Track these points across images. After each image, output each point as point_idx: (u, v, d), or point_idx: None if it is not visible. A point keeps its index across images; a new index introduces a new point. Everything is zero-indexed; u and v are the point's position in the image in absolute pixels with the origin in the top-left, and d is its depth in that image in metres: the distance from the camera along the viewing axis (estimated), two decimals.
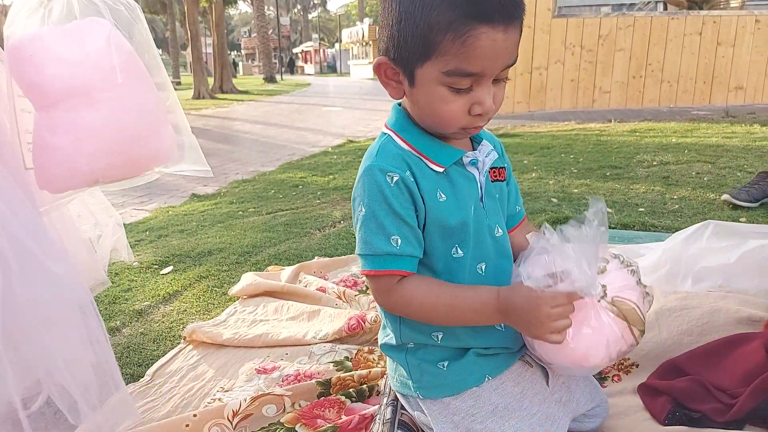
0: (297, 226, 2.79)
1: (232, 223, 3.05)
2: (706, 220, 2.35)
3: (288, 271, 1.97)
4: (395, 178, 0.83)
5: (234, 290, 1.86)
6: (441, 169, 0.88)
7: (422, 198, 0.86)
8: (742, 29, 6.32)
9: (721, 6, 7.01)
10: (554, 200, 2.87)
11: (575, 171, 3.54)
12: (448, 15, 0.75)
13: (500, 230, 0.98)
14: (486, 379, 0.93)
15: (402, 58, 0.82)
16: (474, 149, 0.95)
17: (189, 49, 17.50)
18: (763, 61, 6.36)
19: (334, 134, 7.43)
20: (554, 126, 5.68)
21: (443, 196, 0.87)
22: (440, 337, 0.93)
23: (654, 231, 2.21)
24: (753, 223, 2.29)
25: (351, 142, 6.46)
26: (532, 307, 0.77)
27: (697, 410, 1.13)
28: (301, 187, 3.90)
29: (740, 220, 2.33)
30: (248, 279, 1.87)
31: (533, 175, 3.50)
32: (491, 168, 0.97)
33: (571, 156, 4.03)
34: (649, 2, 7.00)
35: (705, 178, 3.07)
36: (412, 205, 0.85)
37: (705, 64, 6.44)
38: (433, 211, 0.86)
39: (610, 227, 2.28)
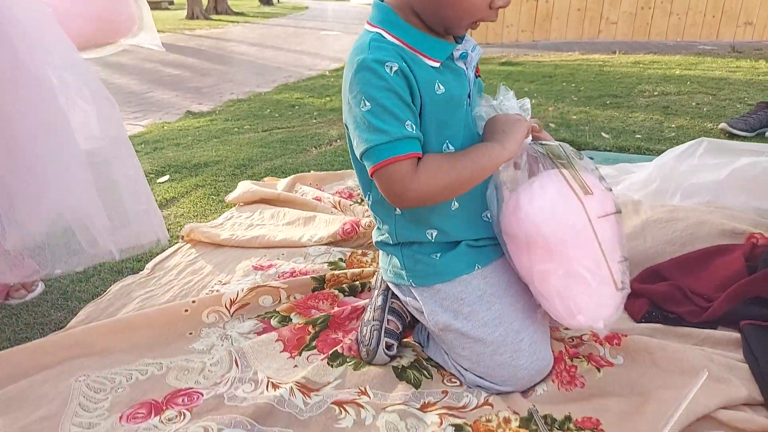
0: (293, 143, 2.78)
1: (227, 138, 3.03)
2: None
3: (284, 181, 1.99)
4: (394, 68, 0.83)
5: (231, 197, 1.88)
6: (437, 64, 0.88)
7: (419, 90, 0.86)
8: None
9: None
10: (552, 125, 2.86)
11: (575, 99, 3.50)
12: None
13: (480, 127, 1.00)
14: (476, 267, 0.97)
15: None
16: (457, 44, 0.94)
17: None
18: None
19: (332, 58, 7.24)
20: (558, 56, 5.56)
21: (441, 88, 0.87)
22: (434, 234, 0.96)
23: (649, 155, 2.23)
24: None
25: None
26: (508, 118, 0.89)
27: (674, 312, 1.19)
28: (297, 107, 3.85)
29: None
30: (245, 186, 1.89)
31: (533, 101, 3.46)
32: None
33: (573, 85, 3.97)
34: None
35: (704, 109, 3.05)
36: (410, 95, 0.86)
37: None
38: (430, 104, 0.87)
39: (605, 150, 2.31)
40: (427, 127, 0.88)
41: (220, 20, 15.28)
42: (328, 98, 4.12)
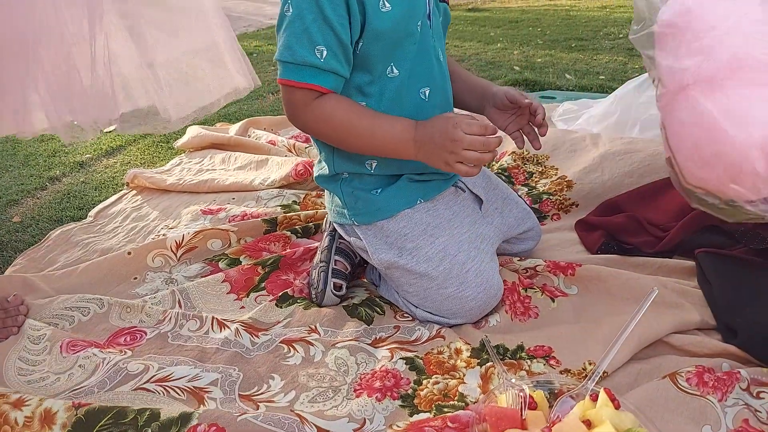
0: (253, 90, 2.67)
1: None
2: None
3: (237, 126, 1.90)
4: None
5: (180, 143, 1.79)
6: None
7: (362, 4, 0.79)
8: None
9: None
10: (516, 68, 2.80)
11: (540, 42, 3.44)
12: None
13: (443, 56, 0.93)
14: (418, 201, 0.93)
15: None
16: None
17: None
18: None
19: None
20: (525, 2, 5.45)
21: (387, 5, 0.80)
22: (374, 165, 0.91)
23: (611, 93, 2.20)
24: None
25: None
26: (447, 127, 0.75)
27: (630, 243, 1.18)
28: (255, 55, 3.69)
29: None
30: (194, 131, 1.80)
31: (498, 45, 3.39)
32: None
33: (539, 29, 3.90)
34: None
35: None
36: (346, 13, 0.78)
37: None
38: (373, 21, 0.80)
39: (568, 90, 2.27)
40: (368, 47, 0.82)
41: None
42: None
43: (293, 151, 1.70)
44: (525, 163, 1.42)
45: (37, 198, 1.53)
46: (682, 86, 0.72)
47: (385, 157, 0.87)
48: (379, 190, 0.93)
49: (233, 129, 1.88)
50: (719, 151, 0.70)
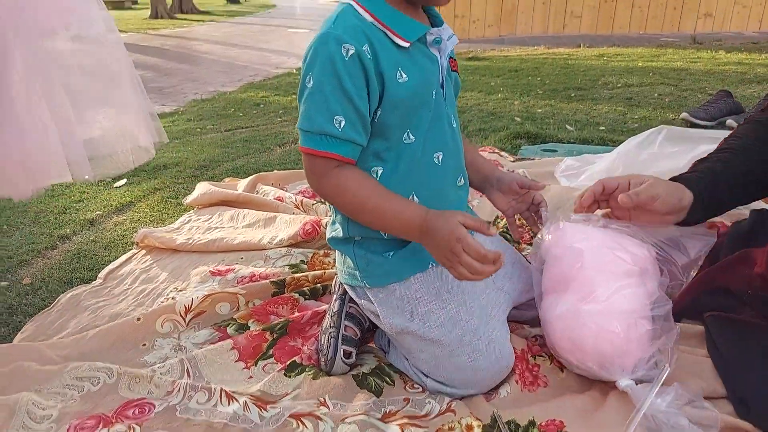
0: (256, 142, 2.72)
1: (189, 139, 2.95)
2: None
3: (245, 181, 1.93)
4: (350, 52, 0.79)
5: (189, 199, 1.82)
6: (406, 44, 0.84)
7: (380, 75, 0.82)
8: None
9: None
10: (518, 119, 2.86)
11: (541, 92, 3.51)
12: None
13: (455, 121, 0.97)
14: (431, 265, 0.94)
15: None
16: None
17: None
18: None
19: (299, 56, 7.16)
20: (524, 50, 5.59)
21: (404, 75, 0.84)
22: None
23: (612, 145, 2.23)
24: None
25: None
26: (451, 238, 0.78)
27: None
28: (262, 105, 3.77)
29: None
30: (203, 188, 1.83)
31: (499, 96, 3.46)
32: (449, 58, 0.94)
33: (538, 78, 3.99)
34: None
35: (666, 99, 3.09)
36: (364, 84, 0.82)
37: None
38: (391, 91, 0.83)
39: (568, 143, 2.31)
40: (386, 115, 0.85)
41: (185, 19, 14.99)
42: (293, 96, 4.05)
43: (300, 207, 1.72)
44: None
45: (48, 258, 1.54)
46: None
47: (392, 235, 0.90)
48: (392, 253, 0.94)
49: (242, 185, 1.91)
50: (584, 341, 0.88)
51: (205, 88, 5.03)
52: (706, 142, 1.45)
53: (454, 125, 0.96)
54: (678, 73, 3.79)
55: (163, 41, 9.36)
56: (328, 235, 1.02)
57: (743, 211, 1.43)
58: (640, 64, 4.31)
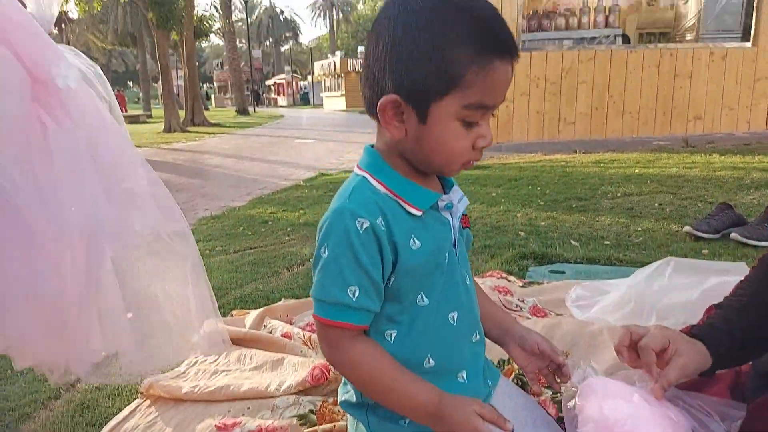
0: (265, 265, 2.74)
1: None
2: (669, 252, 2.42)
3: (253, 315, 1.92)
4: (365, 225, 0.81)
5: (195, 338, 1.79)
6: (419, 213, 0.86)
7: (394, 245, 0.84)
8: (698, 61, 6.59)
9: (677, 39, 7.31)
10: (522, 234, 2.89)
11: (542, 203, 3.58)
12: (472, 49, 0.76)
13: (469, 278, 0.97)
14: None
15: (416, 94, 0.78)
16: (445, 192, 0.94)
17: (160, 82, 17.43)
18: (719, 91, 6.62)
19: (306, 167, 7.43)
20: (521, 157, 5.78)
21: (417, 242, 0.86)
22: None
23: (619, 266, 2.24)
24: (714, 254, 2.33)
25: (323, 175, 6.45)
26: (465, 429, 0.77)
27: None
28: (270, 222, 3.85)
29: (702, 252, 2.38)
30: (209, 325, 1.81)
31: (501, 208, 3.53)
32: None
33: (538, 188, 4.09)
34: (608, 36, 7.24)
35: (667, 209, 3.14)
36: (378, 255, 0.83)
37: (664, 95, 6.68)
38: (404, 258, 0.85)
39: (576, 262, 2.31)
40: (400, 281, 0.86)
41: (197, 132, 15.76)
42: (301, 211, 4.15)
43: (309, 344, 1.69)
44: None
45: (50, 410, 1.50)
46: None
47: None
48: (407, 421, 0.90)
49: (249, 319, 1.90)
50: None
51: (215, 204, 5.17)
52: (715, 275, 1.46)
53: (468, 282, 0.96)
54: (675, 181, 3.88)
55: (176, 155, 9.79)
56: (339, 398, 0.99)
57: None
58: (636, 171, 4.43)
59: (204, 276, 1.40)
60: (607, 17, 7.37)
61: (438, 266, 0.89)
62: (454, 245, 0.93)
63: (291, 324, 1.86)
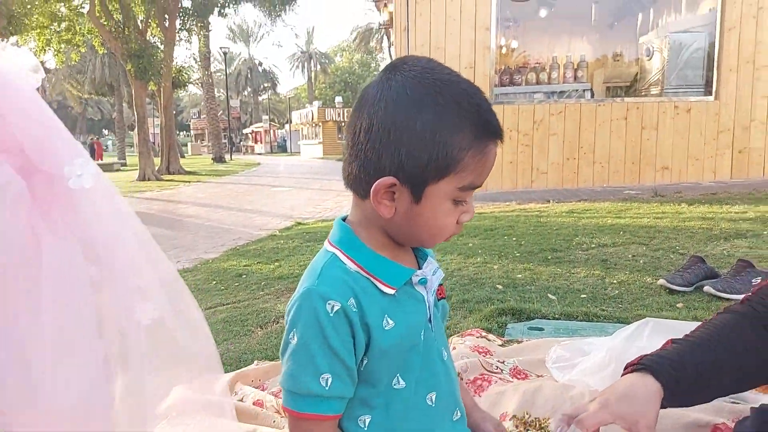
0: (237, 323, 2.66)
1: None
2: (645, 306, 2.42)
3: (223, 382, 1.84)
4: (336, 308, 0.78)
5: (165, 405, 1.70)
6: (392, 291, 0.84)
7: (366, 327, 0.81)
8: (663, 114, 6.85)
9: (643, 93, 7.62)
10: (499, 287, 2.88)
11: (518, 254, 3.59)
12: (471, 135, 0.78)
13: (446, 353, 0.94)
14: None
15: (414, 176, 0.78)
16: (419, 265, 0.92)
17: (136, 130, 17.43)
18: (684, 143, 6.86)
19: (282, 216, 7.40)
20: (497, 206, 5.85)
21: (390, 322, 0.83)
22: None
23: (596, 321, 2.23)
24: (689, 308, 2.35)
25: (299, 224, 6.42)
26: None
27: None
28: (244, 276, 3.78)
29: (677, 305, 2.39)
30: (178, 394, 1.72)
31: (479, 259, 3.53)
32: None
33: (514, 238, 4.11)
34: (577, 90, 7.52)
35: (641, 261, 3.17)
36: (351, 338, 0.80)
37: (632, 147, 6.89)
38: (377, 339, 0.81)
39: (553, 318, 2.30)
40: (374, 363, 0.83)
41: (172, 180, 15.67)
42: (276, 263, 4.08)
43: (281, 412, 1.62)
44: (527, 429, 1.36)
45: None
46: None
47: None
48: None
49: (219, 388, 1.81)
50: None
51: (188, 256, 5.08)
52: None
53: (446, 357, 0.93)
54: (647, 231, 3.95)
55: (149, 205, 9.68)
56: None
57: (743, 406, 1.39)
58: (609, 221, 4.51)
59: None
60: (575, 72, 7.68)
61: (414, 346, 0.86)
62: (430, 320, 0.90)
63: (263, 390, 1.79)
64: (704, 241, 3.55)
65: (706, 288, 2.46)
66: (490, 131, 0.80)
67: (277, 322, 2.63)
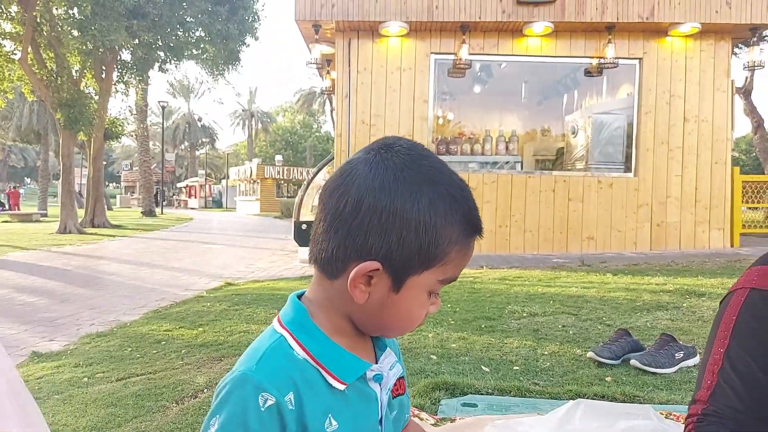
0: (151, 397, 2.44)
1: (72, 393, 2.61)
2: (575, 379, 2.43)
3: None
4: (269, 402, 0.68)
5: None
6: (342, 387, 0.75)
7: (303, 426, 0.71)
8: (588, 188, 7.25)
9: (569, 167, 8.06)
10: (434, 357, 2.82)
11: (453, 322, 3.57)
12: (459, 228, 0.74)
13: None
14: None
15: (399, 266, 0.72)
16: (376, 356, 0.82)
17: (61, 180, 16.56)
18: (607, 215, 7.25)
19: (212, 275, 7.09)
20: None
21: (334, 423, 0.73)
22: None
23: (529, 397, 2.20)
24: (617, 381, 2.37)
25: (229, 284, 6.16)
26: None
27: None
28: (164, 342, 3.52)
29: (606, 378, 2.41)
30: None
31: None
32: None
33: (449, 305, 4.10)
34: (508, 162, 7.87)
35: (570, 332, 3.21)
36: None
37: (560, 217, 7.20)
38: None
39: (486, 393, 2.25)
40: None
41: (95, 234, 14.83)
42: (200, 329, 3.85)
43: None
44: None
45: None
46: None
47: None
48: None
49: None
50: None
51: (104, 318, 4.71)
52: (623, 418, 1.44)
53: None
54: (575, 301, 4.05)
55: (67, 260, 9.03)
56: None
57: None
58: (540, 289, 4.60)
59: None
60: (507, 144, 8.05)
61: None
62: (380, 422, 0.82)
63: None
64: (629, 312, 3.67)
65: (632, 362, 2.50)
66: (477, 227, 0.77)
67: (196, 397, 2.43)
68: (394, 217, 0.72)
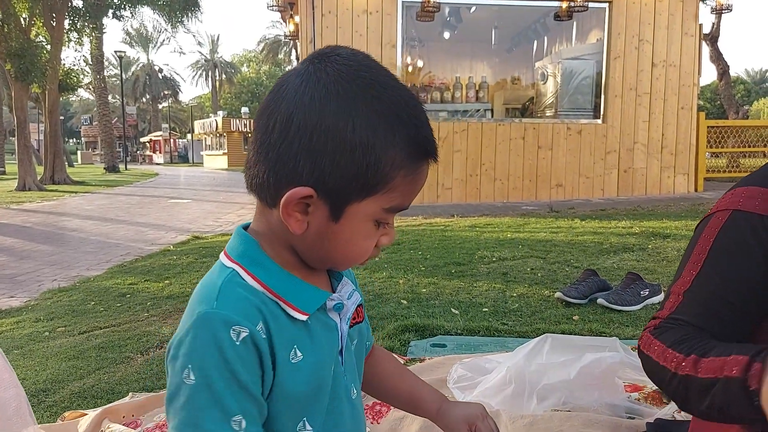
0: (114, 349, 2.38)
1: (33, 348, 2.53)
2: (543, 319, 2.46)
3: (88, 419, 1.59)
4: (243, 334, 0.63)
5: None
6: (304, 317, 0.70)
7: (273, 358, 0.66)
8: (557, 135, 7.25)
9: (539, 115, 8.04)
10: (404, 302, 2.82)
11: (423, 269, 3.57)
12: (404, 151, 0.66)
13: (355, 391, 0.81)
14: None
15: (336, 191, 0.65)
16: (333, 286, 0.78)
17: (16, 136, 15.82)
18: (576, 162, 7.30)
19: (179, 230, 6.95)
20: (404, 221, 5.85)
21: (299, 354, 0.68)
22: None
23: (498, 336, 2.21)
24: (584, 319, 2.41)
25: (196, 238, 6.04)
26: None
27: None
28: (129, 296, 3.44)
29: (573, 317, 2.44)
30: None
31: (384, 274, 3.46)
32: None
33: (419, 252, 4.10)
34: (479, 110, 7.79)
35: (539, 274, 3.25)
36: (259, 370, 0.65)
37: (529, 165, 7.22)
38: (282, 374, 0.67)
39: (456, 333, 2.26)
40: (275, 404, 0.68)
41: (56, 191, 14.35)
42: (166, 281, 3.77)
43: None
44: None
45: None
46: None
47: None
48: None
49: (83, 424, 1.57)
50: None
51: (66, 273, 4.58)
52: (590, 351, 1.45)
53: (354, 396, 0.80)
54: (544, 245, 4.09)
55: (27, 217, 8.73)
56: None
57: (639, 421, 1.38)
58: (509, 235, 4.64)
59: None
60: (477, 93, 7.95)
61: (323, 385, 0.72)
62: (341, 352, 0.77)
63: (137, 427, 1.56)
64: (596, 254, 3.73)
65: (599, 300, 2.54)
66: (427, 150, 0.69)
67: (161, 347, 2.38)
68: (325, 136, 0.64)
